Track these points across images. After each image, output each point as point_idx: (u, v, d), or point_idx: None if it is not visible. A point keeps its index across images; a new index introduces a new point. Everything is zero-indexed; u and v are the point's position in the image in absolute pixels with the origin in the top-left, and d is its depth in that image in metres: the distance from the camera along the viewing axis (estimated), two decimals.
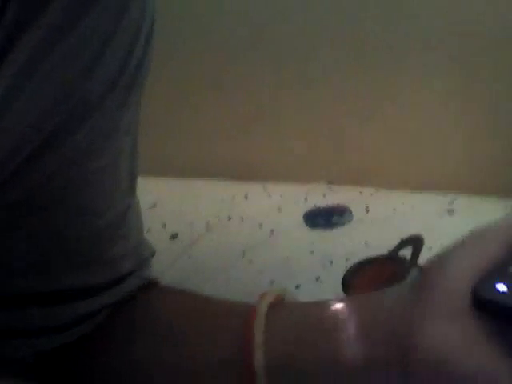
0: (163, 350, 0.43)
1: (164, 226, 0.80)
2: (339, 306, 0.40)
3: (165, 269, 0.72)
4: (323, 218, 0.77)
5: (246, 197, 0.84)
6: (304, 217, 0.78)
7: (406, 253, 0.69)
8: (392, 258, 0.68)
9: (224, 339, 0.41)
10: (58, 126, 0.37)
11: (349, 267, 0.67)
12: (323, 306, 0.41)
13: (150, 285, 0.49)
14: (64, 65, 0.35)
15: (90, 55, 0.36)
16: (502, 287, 0.32)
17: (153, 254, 0.51)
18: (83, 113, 0.38)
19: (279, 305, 0.41)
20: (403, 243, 0.70)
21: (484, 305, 0.33)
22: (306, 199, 0.82)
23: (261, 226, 0.77)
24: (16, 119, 0.35)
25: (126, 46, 0.39)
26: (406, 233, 0.72)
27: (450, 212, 0.77)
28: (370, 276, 0.66)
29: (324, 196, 0.83)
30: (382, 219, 0.76)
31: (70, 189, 0.40)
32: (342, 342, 0.37)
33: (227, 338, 0.40)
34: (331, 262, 0.69)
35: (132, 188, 0.46)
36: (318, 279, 0.67)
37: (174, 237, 0.78)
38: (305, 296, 0.65)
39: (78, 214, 0.41)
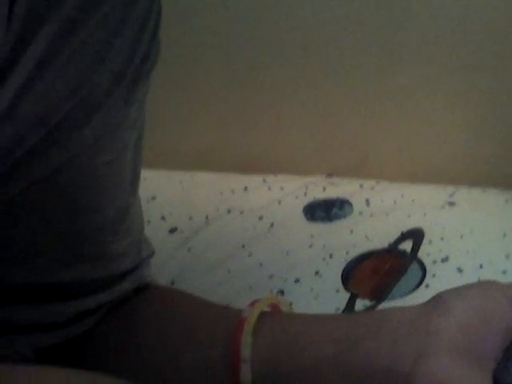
0: (152, 359, 0.43)
1: (164, 218, 0.80)
2: (319, 322, 0.40)
3: (164, 262, 0.72)
4: (323, 211, 0.76)
5: (245, 189, 0.84)
6: (304, 210, 0.77)
7: (407, 246, 0.68)
8: (392, 251, 0.68)
9: (213, 350, 0.41)
10: (64, 119, 0.37)
11: (349, 260, 0.67)
12: (313, 319, 0.41)
13: (145, 288, 0.49)
14: (75, 59, 0.36)
15: (99, 48, 0.36)
16: None
17: (152, 254, 0.51)
18: (90, 107, 0.38)
19: (268, 316, 0.41)
20: (404, 236, 0.70)
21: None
22: (305, 193, 0.82)
23: (260, 218, 0.77)
24: (24, 110, 0.35)
25: (133, 39, 0.39)
26: (406, 226, 0.71)
27: (451, 204, 0.76)
28: (370, 269, 0.66)
29: (324, 189, 0.82)
30: (383, 212, 0.75)
31: (74, 184, 0.40)
32: (325, 354, 0.37)
33: (215, 351, 0.41)
34: (331, 255, 0.69)
35: (134, 186, 0.45)
36: (317, 273, 0.67)
37: (173, 230, 0.78)
38: (305, 289, 0.65)
39: (79, 209, 0.41)
